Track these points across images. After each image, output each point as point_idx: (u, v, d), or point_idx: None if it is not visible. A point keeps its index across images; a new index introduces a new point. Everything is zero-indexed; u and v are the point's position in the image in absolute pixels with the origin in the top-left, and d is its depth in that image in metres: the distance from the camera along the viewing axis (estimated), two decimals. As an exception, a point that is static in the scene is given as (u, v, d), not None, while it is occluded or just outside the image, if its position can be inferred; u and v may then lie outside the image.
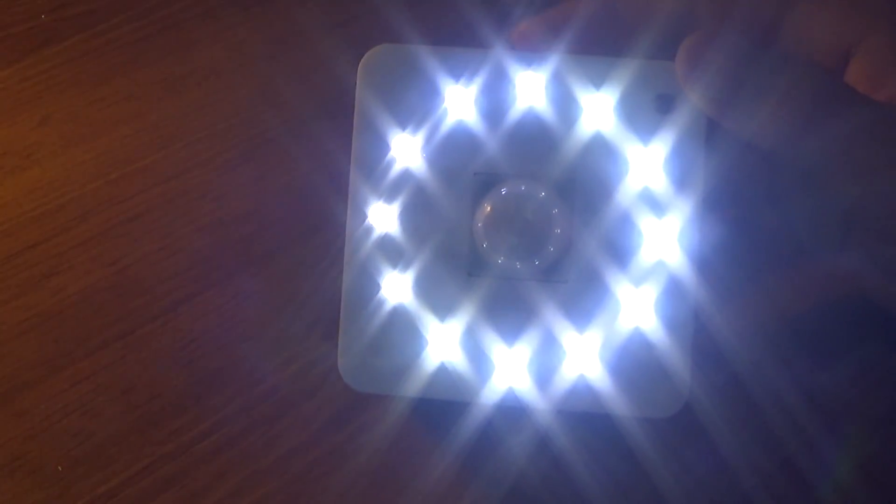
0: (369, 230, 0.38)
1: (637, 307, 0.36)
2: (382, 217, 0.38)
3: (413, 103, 0.38)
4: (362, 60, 0.38)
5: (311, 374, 0.42)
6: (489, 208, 0.37)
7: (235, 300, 0.45)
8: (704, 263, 0.36)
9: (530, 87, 0.37)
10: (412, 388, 0.37)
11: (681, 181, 0.36)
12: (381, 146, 0.38)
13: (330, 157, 0.52)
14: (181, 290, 0.46)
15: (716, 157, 0.36)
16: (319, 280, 0.46)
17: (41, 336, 0.44)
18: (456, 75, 0.37)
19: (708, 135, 0.36)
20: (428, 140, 0.38)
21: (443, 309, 0.37)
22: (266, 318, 0.44)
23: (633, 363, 0.36)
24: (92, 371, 0.42)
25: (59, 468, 0.39)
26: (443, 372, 0.37)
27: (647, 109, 0.36)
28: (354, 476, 0.39)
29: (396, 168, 0.38)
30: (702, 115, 0.36)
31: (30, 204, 0.49)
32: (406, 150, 0.38)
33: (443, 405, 0.41)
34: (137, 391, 0.42)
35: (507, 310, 0.37)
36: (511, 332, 0.37)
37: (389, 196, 0.38)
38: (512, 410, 0.37)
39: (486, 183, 0.37)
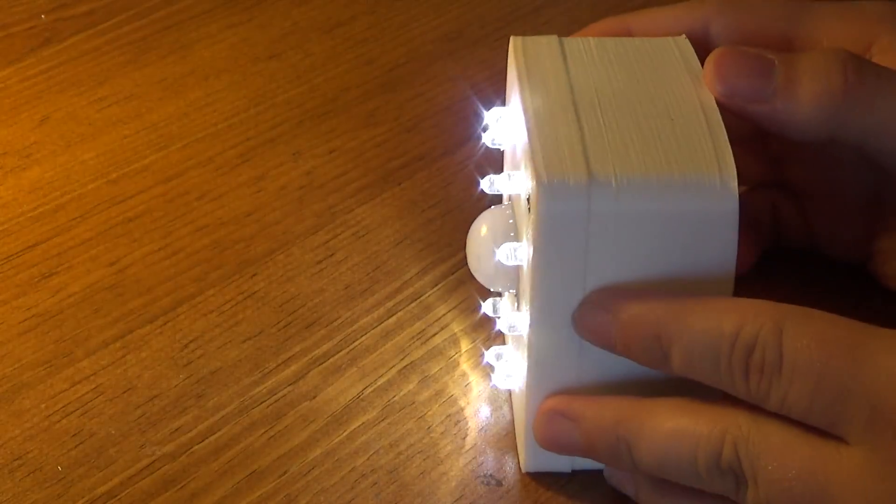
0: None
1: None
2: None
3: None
4: (513, 42, 0.40)
5: (310, 375, 0.42)
6: (482, 225, 0.39)
7: (235, 300, 0.45)
8: None
9: None
10: None
11: None
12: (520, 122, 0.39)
13: (329, 157, 0.52)
14: (181, 290, 0.46)
15: None
16: (319, 280, 0.46)
17: (41, 336, 0.44)
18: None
19: None
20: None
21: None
22: (266, 319, 0.44)
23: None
24: (92, 371, 0.42)
25: (59, 468, 0.39)
26: None
27: None
28: (355, 477, 0.39)
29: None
30: None
31: (30, 204, 0.49)
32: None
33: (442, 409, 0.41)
34: (137, 391, 0.42)
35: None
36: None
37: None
38: None
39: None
